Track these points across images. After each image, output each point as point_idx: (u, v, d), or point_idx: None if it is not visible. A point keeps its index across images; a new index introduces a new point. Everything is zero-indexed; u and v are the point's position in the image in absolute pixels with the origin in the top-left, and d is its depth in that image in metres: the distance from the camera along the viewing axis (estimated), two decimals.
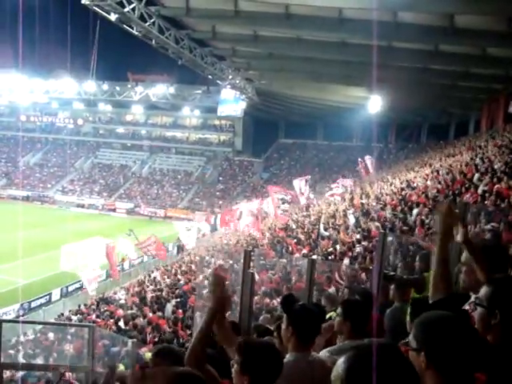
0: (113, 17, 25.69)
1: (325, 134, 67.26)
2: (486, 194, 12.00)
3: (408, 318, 3.47)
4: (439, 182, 17.88)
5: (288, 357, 3.09)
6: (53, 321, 21.13)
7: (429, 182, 19.09)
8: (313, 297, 6.68)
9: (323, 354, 3.38)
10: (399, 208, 16.60)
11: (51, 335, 16.45)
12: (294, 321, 3.20)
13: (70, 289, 28.47)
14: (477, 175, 15.27)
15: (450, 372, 1.75)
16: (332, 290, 9.31)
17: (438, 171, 21.72)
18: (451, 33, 21.88)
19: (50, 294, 27.56)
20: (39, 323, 21.52)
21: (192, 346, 2.95)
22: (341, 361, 1.55)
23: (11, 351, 14.21)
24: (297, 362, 2.90)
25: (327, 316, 4.35)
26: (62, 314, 22.42)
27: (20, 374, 10.81)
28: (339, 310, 3.80)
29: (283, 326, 3.31)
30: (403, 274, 6.00)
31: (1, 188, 65.94)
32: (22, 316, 23.86)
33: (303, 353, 3.13)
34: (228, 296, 3.14)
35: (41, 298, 26.89)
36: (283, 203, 33.82)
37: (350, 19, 23.06)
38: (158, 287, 22.46)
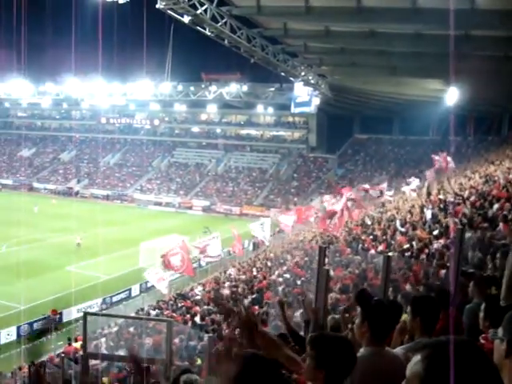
0: (186, 19, 26.17)
1: (400, 129, 65.85)
2: None
3: (482, 314, 3.36)
4: None
5: (362, 351, 3.07)
6: (133, 315, 21.93)
7: (511, 176, 18.28)
8: (388, 294, 6.57)
9: (398, 350, 3.33)
10: (479, 203, 15.99)
11: (132, 329, 17.08)
12: (369, 316, 3.17)
13: (149, 284, 29.34)
14: None
15: None
16: (408, 287, 9.11)
17: None
18: None
19: (129, 290, 28.58)
20: (120, 317, 22.41)
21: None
22: (417, 359, 1.48)
23: (95, 342, 14.89)
24: (371, 357, 2.88)
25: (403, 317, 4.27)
26: (142, 309, 23.17)
27: (104, 364, 11.30)
28: (409, 307, 3.74)
29: (357, 321, 3.28)
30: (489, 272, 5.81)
31: (83, 188, 69.18)
32: (105, 310, 24.87)
33: (378, 348, 3.10)
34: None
35: (121, 293, 27.93)
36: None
37: (424, 9, 22.35)
38: (234, 283, 22.72)
